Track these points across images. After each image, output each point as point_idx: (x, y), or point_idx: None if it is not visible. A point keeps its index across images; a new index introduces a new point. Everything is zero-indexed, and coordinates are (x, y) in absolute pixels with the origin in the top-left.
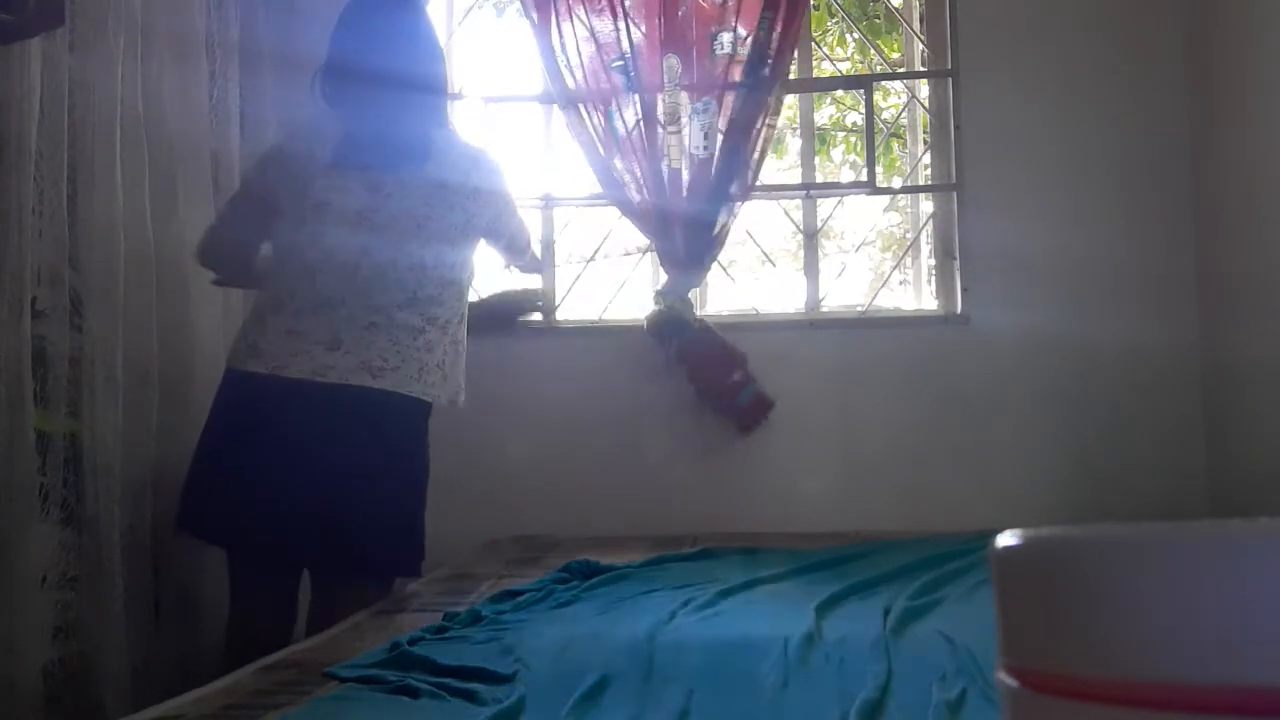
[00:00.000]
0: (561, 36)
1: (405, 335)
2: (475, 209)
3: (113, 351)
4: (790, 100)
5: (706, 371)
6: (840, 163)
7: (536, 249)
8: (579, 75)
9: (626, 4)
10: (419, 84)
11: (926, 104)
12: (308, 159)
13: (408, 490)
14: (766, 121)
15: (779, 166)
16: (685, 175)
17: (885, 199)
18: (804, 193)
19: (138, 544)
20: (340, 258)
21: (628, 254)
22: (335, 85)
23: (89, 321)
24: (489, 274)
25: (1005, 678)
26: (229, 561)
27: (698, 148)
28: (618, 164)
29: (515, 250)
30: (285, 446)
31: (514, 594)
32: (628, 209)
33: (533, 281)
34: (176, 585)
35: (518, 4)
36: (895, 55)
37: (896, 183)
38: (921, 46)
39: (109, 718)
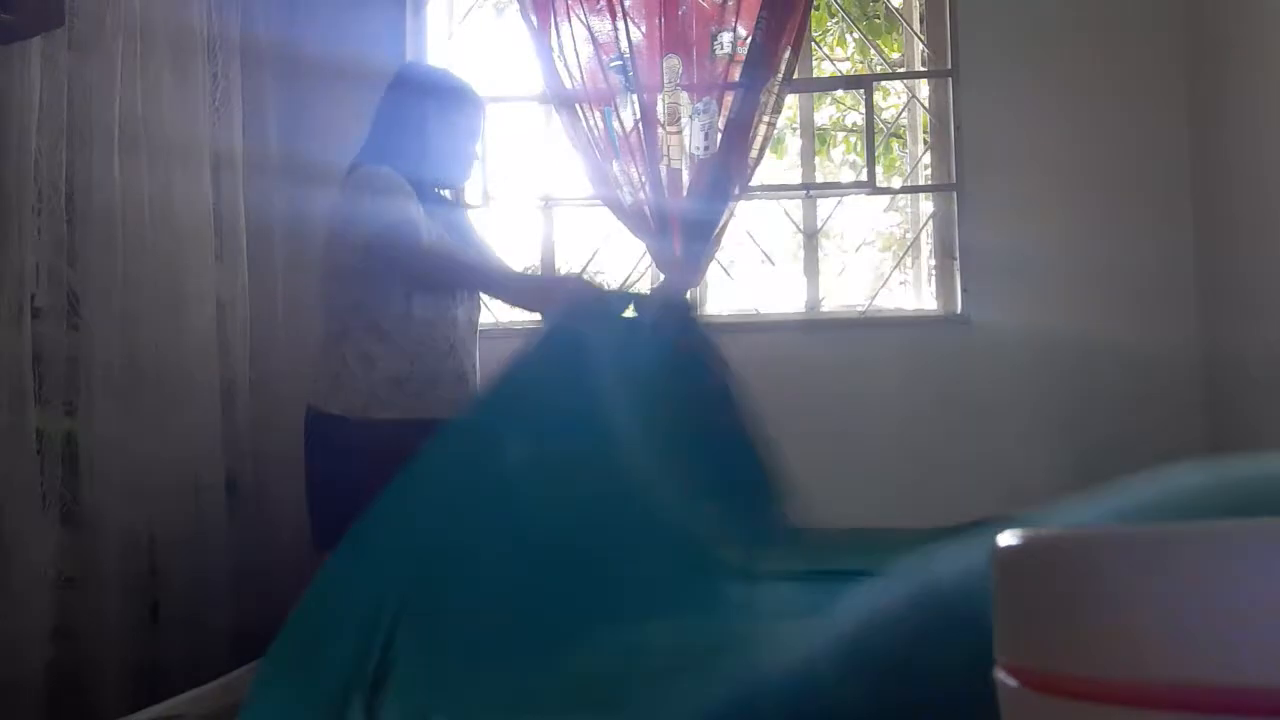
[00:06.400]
0: (559, 36)
1: None
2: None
3: (111, 351)
4: (790, 100)
5: None
6: (840, 163)
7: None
8: (577, 75)
9: (626, 4)
10: None
11: (926, 104)
12: None
13: None
14: (766, 121)
15: (779, 166)
16: (685, 175)
17: (885, 199)
18: (804, 193)
19: (136, 544)
20: None
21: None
22: None
23: (87, 321)
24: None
25: (1005, 677)
26: None
27: (698, 148)
28: (614, 166)
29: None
30: None
31: None
32: (621, 211)
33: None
34: (175, 585)
35: (517, 4)
36: (895, 55)
37: (896, 183)
38: (921, 46)
39: (109, 717)
